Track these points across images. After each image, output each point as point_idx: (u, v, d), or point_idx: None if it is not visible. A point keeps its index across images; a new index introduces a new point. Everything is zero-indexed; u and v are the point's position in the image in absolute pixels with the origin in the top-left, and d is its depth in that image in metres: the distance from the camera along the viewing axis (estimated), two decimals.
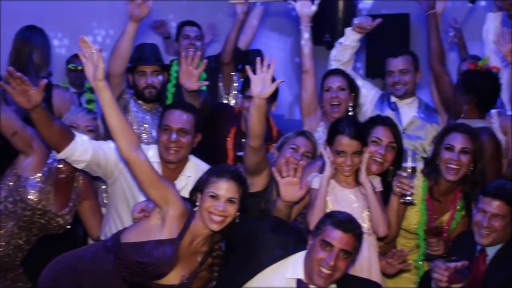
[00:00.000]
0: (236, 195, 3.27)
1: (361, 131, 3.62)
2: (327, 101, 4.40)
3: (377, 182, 3.63)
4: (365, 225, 3.52)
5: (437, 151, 3.77)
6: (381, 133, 3.70)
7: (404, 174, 3.54)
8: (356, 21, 4.73)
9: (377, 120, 3.80)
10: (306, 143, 3.89)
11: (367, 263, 3.55)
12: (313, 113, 4.51)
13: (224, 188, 3.25)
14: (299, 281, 3.18)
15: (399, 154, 3.69)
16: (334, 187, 3.61)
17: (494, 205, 3.38)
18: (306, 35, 4.51)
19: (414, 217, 3.80)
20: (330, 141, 3.61)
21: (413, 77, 4.64)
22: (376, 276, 3.51)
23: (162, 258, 3.22)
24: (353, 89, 4.45)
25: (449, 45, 5.78)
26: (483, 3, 4.67)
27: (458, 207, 3.78)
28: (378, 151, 3.63)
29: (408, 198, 3.57)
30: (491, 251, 3.43)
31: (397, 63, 4.61)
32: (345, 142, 3.55)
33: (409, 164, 3.56)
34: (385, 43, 6.14)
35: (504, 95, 4.55)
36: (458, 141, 3.69)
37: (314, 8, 4.54)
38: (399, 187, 3.53)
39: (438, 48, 4.52)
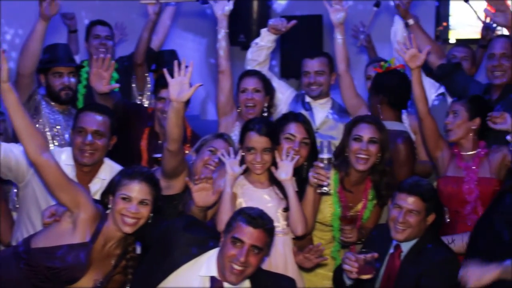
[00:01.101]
0: (149, 196, 3.24)
1: (271, 129, 3.68)
2: (242, 102, 4.44)
3: (292, 181, 3.66)
4: (279, 224, 3.57)
5: (345, 143, 3.86)
6: (294, 130, 3.77)
7: (321, 164, 3.58)
8: (271, 22, 4.78)
9: (290, 117, 3.85)
10: (224, 145, 3.88)
11: (283, 261, 3.60)
12: (229, 113, 4.53)
13: (136, 190, 3.22)
14: (212, 279, 3.18)
15: (313, 150, 3.76)
16: (247, 188, 3.65)
17: (410, 201, 3.45)
18: (222, 35, 4.53)
19: (328, 210, 3.86)
20: (242, 139, 3.66)
21: (328, 78, 4.70)
22: (292, 274, 3.54)
23: (74, 263, 3.16)
24: (269, 91, 4.50)
25: (359, 48, 5.94)
26: (391, 3, 4.79)
27: (370, 196, 3.88)
28: (292, 147, 3.68)
29: (325, 188, 3.61)
30: (405, 247, 3.50)
31: (313, 64, 4.67)
32: (255, 138, 3.60)
33: (325, 155, 3.62)
34: (300, 44, 6.25)
35: None
36: (365, 131, 3.78)
37: (228, 7, 4.56)
38: (316, 177, 3.56)
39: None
